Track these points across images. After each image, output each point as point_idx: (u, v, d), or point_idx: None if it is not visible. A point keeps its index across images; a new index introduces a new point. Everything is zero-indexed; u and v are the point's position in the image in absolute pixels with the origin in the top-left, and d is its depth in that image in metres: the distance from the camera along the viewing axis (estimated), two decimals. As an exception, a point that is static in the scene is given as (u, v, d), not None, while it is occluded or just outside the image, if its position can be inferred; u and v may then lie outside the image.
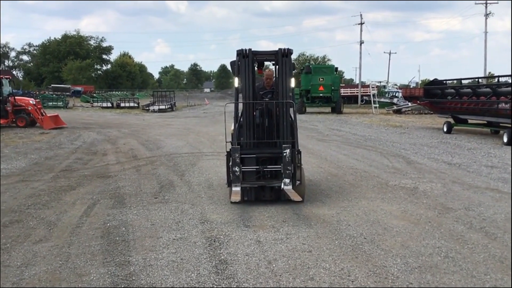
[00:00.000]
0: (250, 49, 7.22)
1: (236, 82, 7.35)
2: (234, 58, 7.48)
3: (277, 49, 7.28)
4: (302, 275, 4.41)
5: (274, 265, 4.66)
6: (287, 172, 6.74)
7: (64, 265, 4.71)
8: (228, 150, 6.94)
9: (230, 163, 6.87)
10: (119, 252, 5.07)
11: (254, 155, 7.04)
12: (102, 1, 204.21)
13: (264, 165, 7.04)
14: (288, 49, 7.19)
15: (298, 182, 6.94)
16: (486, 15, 50.35)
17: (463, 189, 8.07)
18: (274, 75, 7.67)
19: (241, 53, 7.22)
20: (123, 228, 5.93)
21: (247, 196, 7.02)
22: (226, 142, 7.19)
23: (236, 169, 6.76)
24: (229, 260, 4.81)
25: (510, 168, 10.12)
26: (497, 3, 62.05)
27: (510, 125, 15.21)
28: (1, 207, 6.90)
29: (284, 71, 7.14)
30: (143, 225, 6.08)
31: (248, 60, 7.19)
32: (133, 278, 4.40)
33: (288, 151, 6.74)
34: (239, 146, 6.93)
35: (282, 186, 6.75)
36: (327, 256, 4.89)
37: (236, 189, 6.73)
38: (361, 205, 7.00)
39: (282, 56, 7.17)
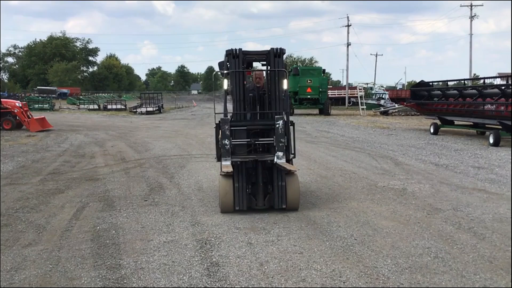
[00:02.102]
0: (240, 49, 6.94)
1: (225, 83, 7.00)
2: (222, 59, 7.31)
3: (268, 48, 7.02)
4: (294, 277, 4.43)
5: (266, 267, 4.66)
6: (280, 144, 6.45)
7: (54, 269, 4.67)
8: (218, 122, 6.62)
9: (220, 136, 6.53)
10: (109, 255, 5.04)
11: (245, 127, 6.73)
12: (88, 1, 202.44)
13: (255, 138, 6.76)
14: (280, 48, 6.91)
15: (292, 156, 6.74)
16: (471, 17, 51.03)
17: (451, 190, 8.16)
18: (264, 76, 7.40)
19: (231, 53, 6.92)
20: (113, 231, 5.90)
21: (238, 206, 6.61)
22: (215, 113, 6.95)
23: (226, 142, 6.44)
24: (220, 262, 4.81)
25: (511, 171, 10.25)
26: (482, 5, 62.96)
27: (495, 126, 15.41)
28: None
29: (276, 72, 6.88)
30: (133, 228, 6.05)
31: (238, 60, 6.90)
32: (125, 281, 4.38)
33: (281, 122, 6.43)
34: (228, 118, 6.60)
35: (275, 160, 6.47)
36: (318, 258, 4.92)
37: (226, 163, 6.43)
38: (351, 206, 7.04)
39: (274, 56, 6.93)
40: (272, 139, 6.61)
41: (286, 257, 4.93)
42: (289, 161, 6.72)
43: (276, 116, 6.54)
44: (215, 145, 6.89)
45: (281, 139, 6.46)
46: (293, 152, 6.84)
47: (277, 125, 6.46)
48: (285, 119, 6.62)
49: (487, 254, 4.98)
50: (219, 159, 6.69)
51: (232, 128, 6.60)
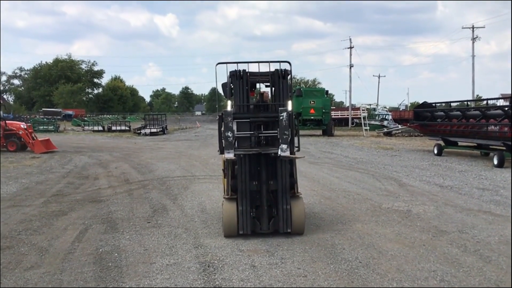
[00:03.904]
0: (244, 70, 6.85)
1: (228, 105, 6.93)
2: (225, 80, 7.20)
3: (273, 69, 6.88)
4: (298, 301, 4.37)
5: (269, 291, 4.61)
6: (284, 137, 6.20)
7: (56, 292, 4.63)
8: (220, 114, 6.48)
9: (223, 128, 6.38)
10: (112, 279, 5.00)
11: (248, 120, 6.60)
12: (94, 24, 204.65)
13: (259, 130, 6.62)
14: (285, 70, 6.80)
15: (296, 149, 6.62)
16: (473, 39, 51.35)
17: (456, 212, 8.10)
18: (269, 96, 7.28)
19: (235, 74, 6.78)
20: (116, 254, 5.86)
21: (242, 230, 6.46)
22: (217, 106, 6.90)
23: (229, 134, 6.22)
24: (224, 286, 4.76)
25: (511, 192, 10.18)
26: (484, 27, 63.62)
27: (499, 148, 15.36)
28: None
29: (281, 93, 6.79)
30: (136, 250, 6.01)
31: (243, 81, 6.81)
32: (127, 305, 4.34)
33: (285, 114, 6.23)
34: (232, 110, 6.47)
35: (279, 153, 6.23)
36: (322, 281, 4.86)
37: (229, 155, 6.21)
38: (355, 228, 6.99)
39: (278, 77, 6.81)
40: (276, 131, 6.44)
41: (290, 281, 4.87)
42: (292, 154, 6.53)
43: (280, 108, 6.35)
44: (218, 138, 6.70)
45: (285, 132, 6.24)
46: (297, 145, 6.70)
47: (281, 117, 6.26)
48: (289, 112, 6.41)
49: (493, 278, 4.92)
50: (222, 151, 6.52)
51: (235, 120, 6.45)
